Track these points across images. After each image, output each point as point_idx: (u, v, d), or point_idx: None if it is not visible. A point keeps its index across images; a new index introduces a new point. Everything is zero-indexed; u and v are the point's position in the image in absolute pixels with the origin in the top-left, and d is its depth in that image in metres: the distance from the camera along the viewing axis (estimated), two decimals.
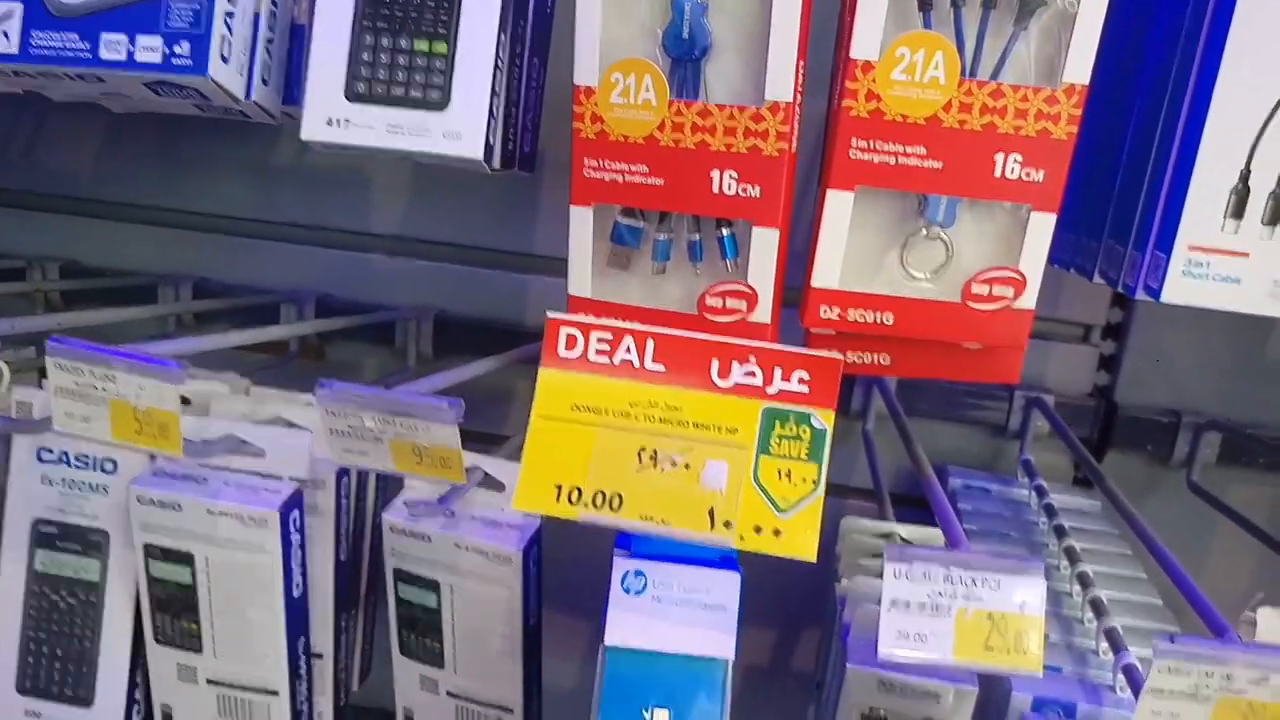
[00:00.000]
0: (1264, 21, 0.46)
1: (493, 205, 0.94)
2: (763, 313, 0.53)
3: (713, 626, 0.48)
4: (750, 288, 0.53)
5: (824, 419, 0.45)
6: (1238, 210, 0.47)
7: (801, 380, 0.45)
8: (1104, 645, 0.59)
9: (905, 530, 0.65)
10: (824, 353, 0.45)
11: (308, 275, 0.98)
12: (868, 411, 0.88)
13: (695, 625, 0.48)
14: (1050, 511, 0.77)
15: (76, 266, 1.00)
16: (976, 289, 0.51)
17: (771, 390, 0.45)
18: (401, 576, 0.64)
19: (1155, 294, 0.50)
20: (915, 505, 0.91)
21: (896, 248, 0.53)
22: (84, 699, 0.64)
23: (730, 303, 0.53)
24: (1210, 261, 0.48)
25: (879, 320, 0.52)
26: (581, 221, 0.55)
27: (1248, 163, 0.47)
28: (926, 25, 0.49)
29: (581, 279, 0.56)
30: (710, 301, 0.53)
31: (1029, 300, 0.51)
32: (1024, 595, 0.42)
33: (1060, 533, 0.73)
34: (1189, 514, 0.84)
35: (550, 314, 0.46)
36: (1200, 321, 0.88)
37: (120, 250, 1.00)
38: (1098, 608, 0.61)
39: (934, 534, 0.61)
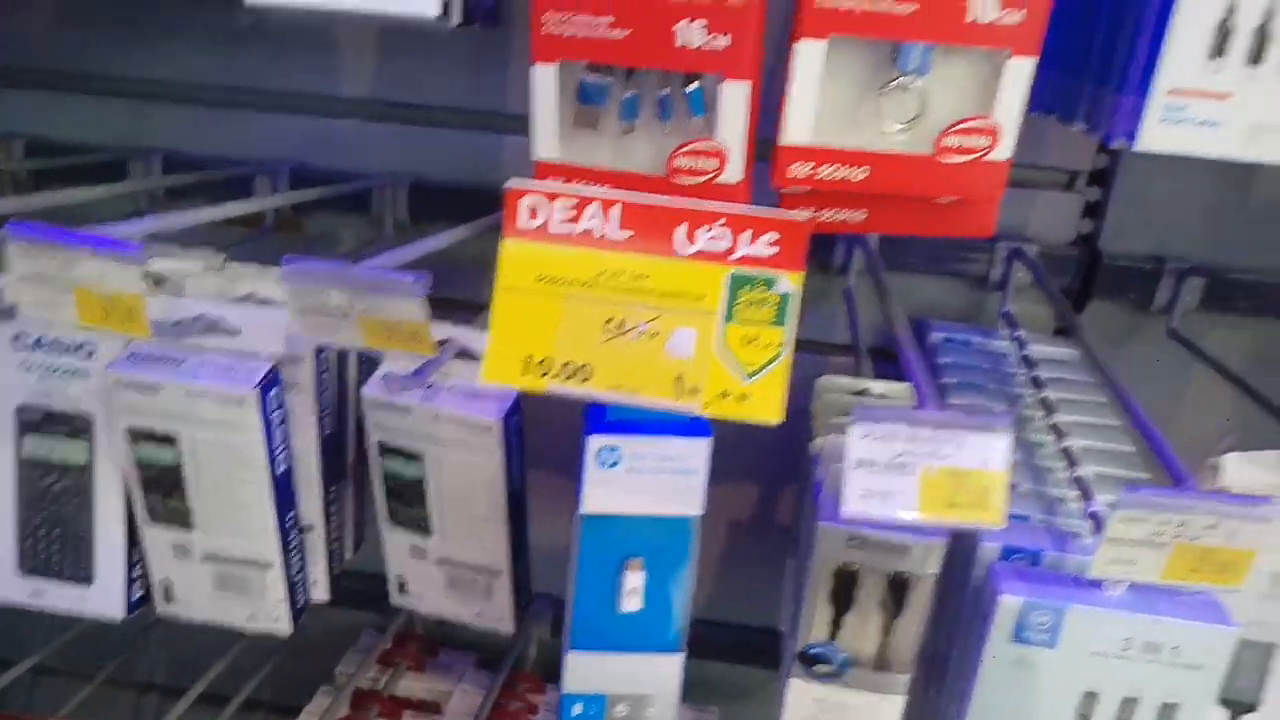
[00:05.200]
0: None
1: (463, 63, 0.91)
2: (734, 172, 0.52)
3: (682, 488, 0.49)
4: (720, 146, 0.51)
5: (792, 282, 0.44)
6: (1219, 49, 0.45)
7: (769, 243, 0.44)
8: (1075, 493, 0.60)
9: (881, 386, 0.65)
10: (792, 214, 0.44)
11: (280, 144, 0.96)
12: (849, 267, 0.88)
13: (665, 488, 0.49)
14: (1029, 362, 0.78)
15: (43, 143, 0.97)
16: (948, 141, 0.49)
17: (739, 254, 0.45)
18: (385, 449, 0.65)
19: (1131, 140, 0.49)
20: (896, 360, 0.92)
21: (870, 100, 0.51)
22: (84, 577, 0.65)
23: (700, 163, 0.52)
24: (1189, 105, 0.46)
25: (852, 177, 0.51)
26: (545, 80, 0.53)
27: None
28: None
29: (547, 142, 0.54)
30: (679, 162, 0.52)
31: (1003, 152, 0.50)
32: (987, 452, 0.42)
33: (1037, 383, 0.74)
34: (1170, 361, 0.84)
35: (510, 184, 0.45)
36: (1187, 165, 0.86)
37: (87, 125, 0.98)
38: (1069, 456, 0.62)
39: (910, 390, 0.61)
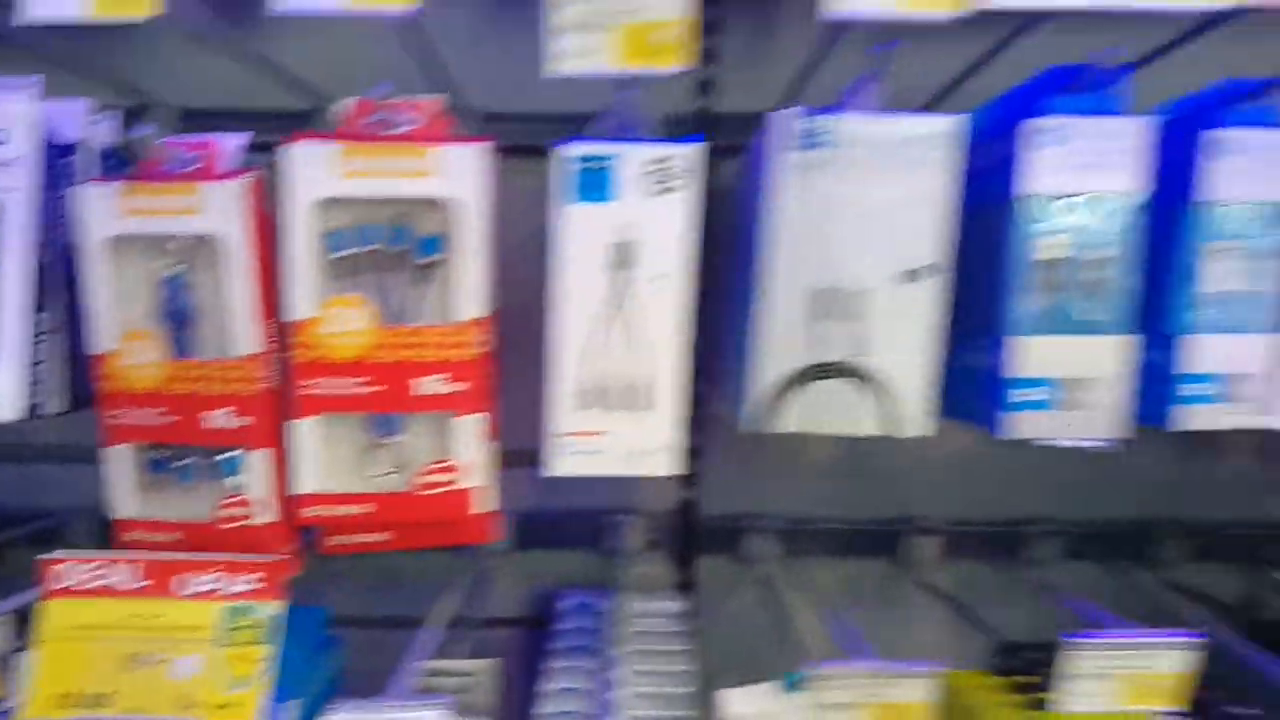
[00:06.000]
0: (579, 261, 0.63)
1: None
2: (265, 516, 0.66)
3: None
4: (250, 499, 0.65)
5: (276, 609, 0.58)
6: (587, 403, 0.63)
7: (256, 580, 0.58)
8: None
9: (466, 665, 0.78)
10: (273, 557, 0.58)
11: None
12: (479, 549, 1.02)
13: None
14: (628, 620, 0.92)
15: None
16: (420, 479, 0.65)
17: (233, 590, 0.58)
18: None
19: (548, 467, 0.65)
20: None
21: (363, 452, 0.66)
22: None
23: (237, 511, 0.66)
24: (576, 441, 0.64)
25: (358, 513, 0.66)
26: (117, 458, 0.67)
27: (580, 367, 0.63)
28: (349, 288, 0.64)
29: (124, 503, 0.67)
30: (219, 513, 0.66)
31: (468, 481, 0.66)
32: None
33: (626, 639, 0.88)
34: (768, 602, 1.00)
35: (42, 558, 0.57)
36: (764, 441, 1.06)
37: None
38: (618, 705, 0.75)
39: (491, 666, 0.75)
